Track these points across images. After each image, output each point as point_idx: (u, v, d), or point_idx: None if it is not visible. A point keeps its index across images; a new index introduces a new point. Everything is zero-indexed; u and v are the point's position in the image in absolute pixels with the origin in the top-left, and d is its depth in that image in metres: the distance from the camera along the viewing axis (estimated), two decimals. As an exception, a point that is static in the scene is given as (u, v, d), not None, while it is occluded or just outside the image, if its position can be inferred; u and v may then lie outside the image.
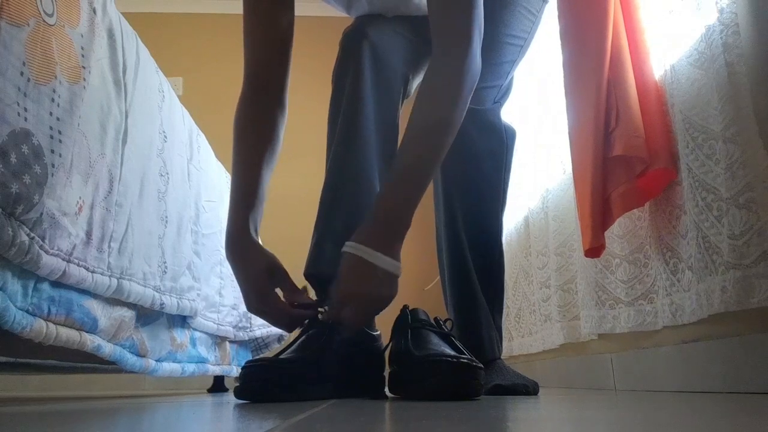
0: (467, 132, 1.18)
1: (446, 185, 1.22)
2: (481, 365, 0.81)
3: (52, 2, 0.78)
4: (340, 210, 1.07)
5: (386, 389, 1.05)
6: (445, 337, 0.95)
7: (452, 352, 0.85)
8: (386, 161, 1.13)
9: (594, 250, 1.20)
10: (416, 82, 1.25)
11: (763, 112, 0.81)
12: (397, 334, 0.98)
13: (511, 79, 1.27)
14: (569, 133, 1.29)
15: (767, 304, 0.82)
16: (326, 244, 1.06)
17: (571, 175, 1.29)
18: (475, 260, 1.18)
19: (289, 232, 2.24)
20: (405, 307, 1.03)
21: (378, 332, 1.11)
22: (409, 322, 0.97)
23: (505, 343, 2.15)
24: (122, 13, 1.04)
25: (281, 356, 0.99)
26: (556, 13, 1.37)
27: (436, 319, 0.99)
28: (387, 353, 1.03)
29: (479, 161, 1.21)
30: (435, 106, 0.94)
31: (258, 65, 1.16)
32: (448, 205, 1.21)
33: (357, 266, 0.89)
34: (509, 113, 2.10)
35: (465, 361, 0.79)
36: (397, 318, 1.02)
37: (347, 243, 0.90)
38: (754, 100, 0.83)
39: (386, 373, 1.04)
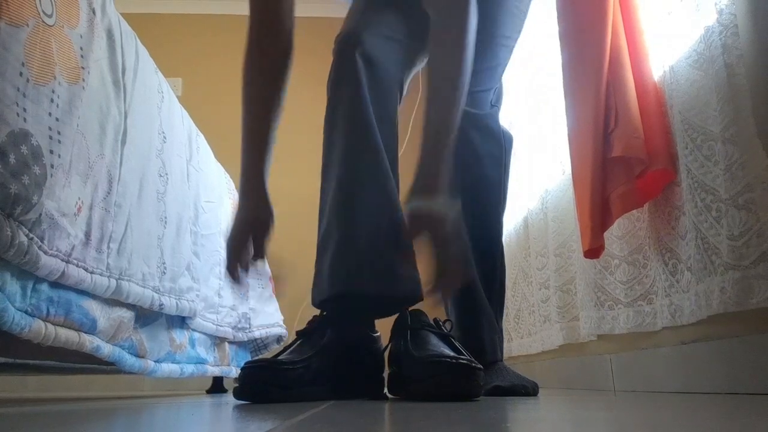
0: (469, 137, 1.19)
1: (449, 189, 1.22)
2: (480, 366, 0.81)
3: (51, 3, 0.77)
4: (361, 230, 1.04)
5: (386, 390, 1.05)
6: (445, 338, 0.95)
7: (452, 353, 0.85)
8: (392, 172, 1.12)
9: (593, 250, 1.20)
10: (409, 80, 1.25)
11: (762, 113, 0.81)
12: (397, 335, 0.98)
13: (502, 82, 1.28)
14: (568, 134, 1.29)
15: (766, 305, 0.82)
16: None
17: (571, 176, 1.29)
18: (478, 263, 1.18)
19: (287, 233, 2.23)
20: (404, 308, 1.03)
21: (378, 333, 1.11)
22: (408, 323, 0.97)
23: (504, 344, 2.16)
24: (122, 14, 1.04)
25: (280, 357, 0.99)
26: (555, 14, 1.37)
27: (435, 320, 0.99)
28: (386, 354, 1.03)
29: (481, 166, 1.23)
30: (448, 64, 0.99)
31: (267, 12, 1.18)
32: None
33: (430, 220, 0.91)
34: (509, 113, 2.11)
35: (464, 361, 0.79)
36: (396, 319, 1.02)
37: (412, 204, 0.93)
38: (753, 101, 0.83)
39: (386, 374, 1.04)
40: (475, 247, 1.18)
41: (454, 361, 0.80)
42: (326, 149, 1.15)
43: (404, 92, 1.24)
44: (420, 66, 1.26)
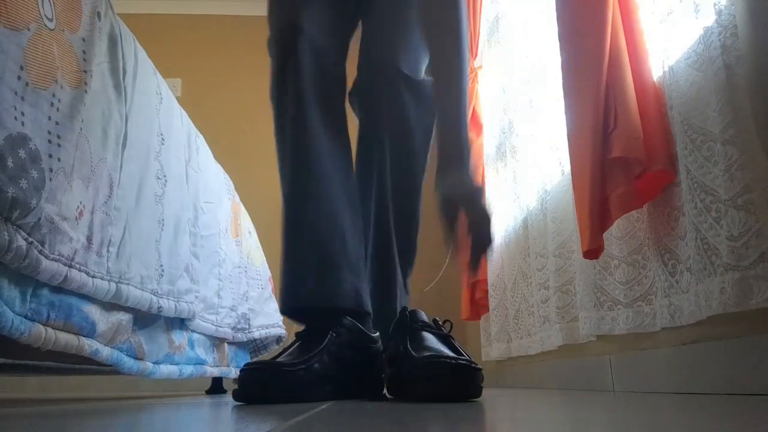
0: (406, 104, 1.24)
1: (380, 153, 1.26)
2: (479, 367, 0.81)
3: (51, 7, 0.77)
4: (309, 248, 1.10)
5: (385, 391, 1.05)
6: (444, 338, 0.94)
7: (451, 354, 0.85)
8: (346, 176, 1.17)
9: (592, 251, 1.20)
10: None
11: (761, 114, 0.81)
12: (396, 335, 0.97)
13: None
14: (568, 135, 1.29)
15: (766, 306, 0.82)
16: (305, 278, 1.08)
17: (570, 177, 1.29)
18: (397, 230, 1.24)
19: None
20: (404, 308, 1.03)
21: (377, 334, 1.11)
22: (408, 324, 0.97)
23: (503, 345, 2.16)
24: (120, 14, 1.04)
25: (280, 359, 0.99)
26: (554, 15, 1.36)
27: (435, 320, 0.99)
28: (386, 354, 1.03)
29: (414, 137, 1.27)
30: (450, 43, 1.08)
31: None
32: (380, 171, 1.25)
33: (463, 199, 1.03)
34: (508, 113, 2.11)
35: (463, 362, 0.79)
36: (396, 320, 1.01)
37: (443, 184, 1.03)
38: (753, 101, 0.83)
39: (385, 375, 1.04)
40: (396, 213, 1.24)
41: (453, 361, 0.80)
42: (279, 167, 1.17)
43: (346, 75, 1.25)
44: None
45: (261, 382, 0.92)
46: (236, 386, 0.92)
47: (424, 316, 1.00)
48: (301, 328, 1.08)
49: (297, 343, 1.04)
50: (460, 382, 0.79)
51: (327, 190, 1.11)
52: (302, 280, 1.08)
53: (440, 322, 0.99)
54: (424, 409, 0.65)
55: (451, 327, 1.00)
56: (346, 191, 1.14)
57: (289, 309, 1.10)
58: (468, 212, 1.01)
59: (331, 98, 1.18)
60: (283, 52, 1.15)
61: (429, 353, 0.85)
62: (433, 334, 0.95)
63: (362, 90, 1.27)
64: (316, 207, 1.10)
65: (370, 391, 1.07)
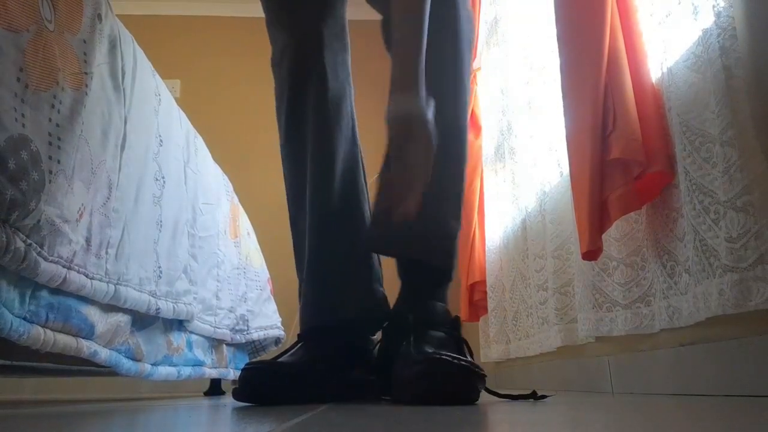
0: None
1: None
2: (482, 370, 0.79)
3: (51, 9, 0.77)
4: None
5: (385, 392, 1.05)
6: (448, 336, 0.92)
7: (451, 355, 0.82)
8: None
9: (591, 252, 1.20)
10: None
11: (760, 116, 0.81)
12: (396, 333, 0.95)
13: None
14: (567, 136, 1.29)
15: (765, 307, 0.82)
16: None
17: (569, 178, 1.29)
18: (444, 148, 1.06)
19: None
20: (405, 306, 1.00)
21: (376, 337, 1.11)
22: (410, 321, 0.95)
23: (502, 346, 2.16)
24: (119, 15, 1.03)
25: (281, 359, 0.99)
26: (553, 16, 1.37)
27: (457, 317, 0.96)
28: (385, 352, 1.01)
29: (463, 47, 1.12)
30: None
31: None
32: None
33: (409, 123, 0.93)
34: (507, 115, 2.11)
35: (465, 364, 0.77)
36: (397, 316, 0.99)
37: (390, 110, 0.95)
38: (752, 103, 0.83)
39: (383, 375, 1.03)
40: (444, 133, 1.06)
41: (454, 363, 0.78)
42: (293, 185, 1.16)
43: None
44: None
45: (262, 383, 0.91)
46: (235, 386, 0.92)
47: (427, 312, 0.96)
48: (299, 329, 1.08)
49: (297, 344, 1.04)
50: (457, 386, 0.77)
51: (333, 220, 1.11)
52: (325, 298, 1.09)
53: (445, 316, 0.96)
54: (423, 411, 0.65)
55: (460, 323, 0.97)
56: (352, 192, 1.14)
57: (317, 327, 1.09)
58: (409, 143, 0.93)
59: (342, 111, 1.16)
60: (299, 74, 1.15)
61: (428, 354, 0.83)
62: (436, 330, 0.91)
63: None
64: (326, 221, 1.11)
65: (369, 393, 1.07)
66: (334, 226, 1.10)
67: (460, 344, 0.90)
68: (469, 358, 0.85)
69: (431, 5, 0.98)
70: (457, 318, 0.95)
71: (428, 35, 0.98)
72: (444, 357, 0.77)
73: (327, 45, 1.16)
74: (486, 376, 0.79)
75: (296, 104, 1.15)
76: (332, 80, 1.15)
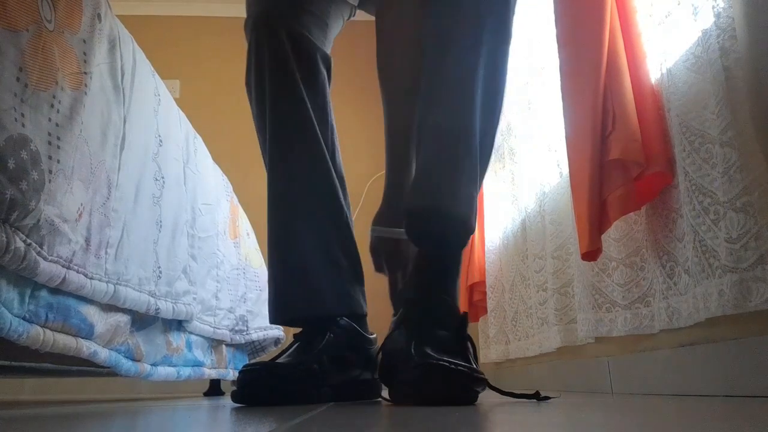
0: None
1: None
2: (481, 375, 0.77)
3: (51, 8, 0.77)
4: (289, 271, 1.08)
5: (383, 392, 1.05)
6: (453, 335, 0.89)
7: (449, 362, 0.78)
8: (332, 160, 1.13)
9: (591, 253, 1.20)
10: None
11: (760, 116, 0.81)
12: (402, 328, 0.93)
13: None
14: (566, 137, 1.29)
15: (764, 308, 0.82)
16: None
17: (568, 179, 1.29)
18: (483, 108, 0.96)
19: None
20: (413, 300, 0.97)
21: (374, 335, 1.11)
22: (415, 319, 0.90)
23: (502, 347, 2.16)
24: (119, 16, 1.03)
25: (279, 360, 0.99)
26: (552, 16, 1.37)
27: (465, 314, 0.92)
28: (385, 345, 0.98)
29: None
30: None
31: None
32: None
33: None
34: (507, 115, 2.11)
35: (462, 370, 0.76)
36: (400, 311, 0.96)
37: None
38: (751, 104, 0.83)
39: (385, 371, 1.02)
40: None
41: (453, 366, 0.77)
42: (267, 165, 1.13)
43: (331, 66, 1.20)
44: (335, 29, 1.22)
45: (260, 384, 0.91)
46: (234, 388, 0.92)
47: (433, 309, 0.91)
48: (299, 329, 1.08)
49: (295, 345, 1.04)
50: (455, 390, 0.76)
51: (303, 198, 1.09)
52: (287, 291, 1.07)
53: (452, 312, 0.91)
54: (422, 412, 0.65)
55: (467, 321, 0.92)
56: (324, 189, 1.11)
57: (280, 320, 1.10)
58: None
59: (312, 82, 1.13)
60: (259, 40, 1.12)
61: (428, 354, 0.81)
62: (439, 328, 0.87)
63: None
64: (292, 215, 1.08)
65: (367, 393, 1.07)
66: (295, 215, 1.08)
67: (464, 344, 0.87)
68: (472, 359, 0.84)
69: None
70: (465, 315, 0.91)
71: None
72: (442, 363, 0.76)
73: (293, 18, 1.13)
74: (485, 379, 0.78)
75: (260, 81, 1.12)
76: (297, 53, 1.12)
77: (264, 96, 1.11)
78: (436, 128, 0.92)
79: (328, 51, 1.20)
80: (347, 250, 1.11)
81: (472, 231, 0.94)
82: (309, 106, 1.10)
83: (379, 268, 1.11)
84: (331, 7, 1.20)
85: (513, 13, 1.01)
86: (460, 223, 0.91)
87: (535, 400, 0.83)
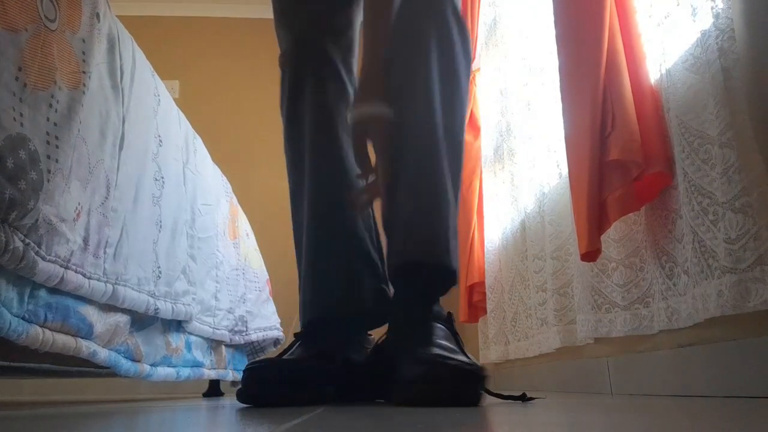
0: (453, 38, 1.04)
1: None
2: (485, 373, 0.77)
3: (55, 8, 0.77)
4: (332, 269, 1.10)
5: (384, 392, 1.05)
6: (450, 335, 0.89)
7: (454, 357, 0.79)
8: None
9: (590, 254, 1.20)
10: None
11: (759, 117, 0.81)
12: (398, 329, 0.93)
13: None
14: (565, 137, 1.29)
15: (763, 308, 0.82)
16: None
17: (568, 179, 1.29)
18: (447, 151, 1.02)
19: (285, 232, 2.23)
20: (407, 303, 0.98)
21: (372, 336, 1.11)
22: (416, 316, 0.92)
23: (501, 347, 2.16)
24: (119, 16, 1.04)
25: (283, 358, 0.99)
26: (552, 18, 1.37)
27: (449, 314, 0.94)
28: (386, 344, 0.98)
29: (460, 78, 1.05)
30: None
31: None
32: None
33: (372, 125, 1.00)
34: (506, 116, 2.11)
35: (467, 367, 0.76)
36: (398, 312, 0.96)
37: (355, 113, 1.01)
38: (750, 104, 0.83)
39: (382, 374, 1.02)
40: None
41: (461, 365, 0.76)
42: (293, 182, 1.17)
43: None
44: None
45: (268, 381, 0.91)
46: (235, 389, 0.92)
47: (434, 309, 0.94)
48: (298, 330, 1.08)
49: (297, 343, 1.04)
50: (459, 389, 0.76)
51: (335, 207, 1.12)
52: (328, 290, 1.09)
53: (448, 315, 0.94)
54: (422, 413, 0.65)
55: (453, 318, 0.94)
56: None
57: (319, 311, 1.09)
58: (375, 143, 1.00)
59: (335, 107, 1.17)
60: (299, 68, 1.16)
61: (430, 353, 0.80)
62: (439, 328, 0.88)
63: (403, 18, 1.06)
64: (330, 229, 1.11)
65: (369, 392, 1.07)
66: (332, 222, 1.10)
67: (458, 338, 0.89)
68: (470, 357, 0.84)
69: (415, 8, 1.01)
70: (450, 314, 0.94)
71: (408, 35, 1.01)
72: (448, 362, 0.76)
73: (329, 46, 1.16)
74: (488, 377, 0.78)
75: (296, 103, 1.15)
76: (332, 80, 1.16)
77: (303, 125, 1.15)
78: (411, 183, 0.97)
79: (355, 69, 1.24)
80: (377, 248, 1.14)
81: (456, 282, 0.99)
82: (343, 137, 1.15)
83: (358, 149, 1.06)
84: (355, 19, 1.24)
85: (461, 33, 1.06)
86: (453, 277, 0.96)
87: (535, 401, 0.83)
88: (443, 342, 0.85)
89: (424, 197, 0.96)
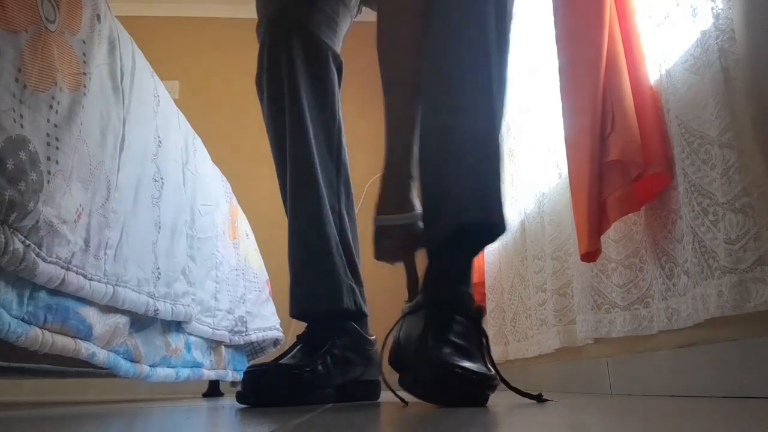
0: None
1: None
2: (495, 380, 0.76)
3: (54, 9, 0.77)
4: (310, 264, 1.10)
5: (382, 390, 1.05)
6: (470, 333, 0.84)
7: (468, 369, 0.75)
8: (333, 167, 1.15)
9: (590, 254, 1.20)
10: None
11: (759, 117, 0.81)
12: (418, 310, 0.88)
13: None
14: (565, 138, 1.29)
15: (763, 309, 0.82)
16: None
17: (567, 180, 1.29)
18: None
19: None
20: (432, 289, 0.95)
21: (374, 337, 1.11)
22: (432, 305, 0.87)
23: (501, 348, 2.15)
24: (118, 17, 1.03)
25: (282, 361, 0.99)
26: (552, 18, 1.37)
27: (479, 307, 0.88)
28: (402, 326, 0.94)
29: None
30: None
31: None
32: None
33: None
34: (506, 115, 2.11)
35: (480, 377, 0.74)
36: (415, 302, 0.93)
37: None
38: (750, 105, 0.83)
39: (382, 374, 1.02)
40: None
41: (471, 376, 0.74)
42: (277, 167, 1.16)
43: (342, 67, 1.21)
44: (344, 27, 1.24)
45: (266, 384, 0.91)
46: (235, 389, 0.92)
47: (462, 301, 0.88)
48: (300, 330, 1.08)
49: (299, 346, 1.04)
50: (468, 396, 0.74)
51: (316, 197, 1.10)
52: (305, 284, 1.09)
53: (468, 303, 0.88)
54: (423, 413, 0.65)
55: (482, 314, 0.89)
56: (331, 185, 1.13)
57: (297, 311, 1.10)
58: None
59: (322, 82, 1.15)
60: (276, 42, 1.13)
61: (439, 355, 0.77)
62: (456, 324, 0.83)
63: None
64: (306, 211, 1.10)
65: (368, 394, 1.07)
66: (307, 215, 1.10)
67: (480, 339, 0.84)
68: (487, 358, 0.82)
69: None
70: (480, 308, 0.88)
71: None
72: (459, 371, 0.74)
73: (307, 17, 1.15)
74: (498, 384, 0.78)
75: (272, 77, 1.13)
76: (310, 52, 1.14)
77: (282, 95, 1.12)
78: (460, 136, 0.90)
79: (339, 50, 1.21)
80: (347, 251, 1.12)
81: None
82: (311, 105, 1.12)
83: (380, 256, 1.04)
84: (340, 5, 1.21)
85: (510, 22, 1.02)
86: (503, 230, 0.91)
87: (536, 401, 0.83)
88: (459, 341, 0.81)
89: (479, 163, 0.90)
